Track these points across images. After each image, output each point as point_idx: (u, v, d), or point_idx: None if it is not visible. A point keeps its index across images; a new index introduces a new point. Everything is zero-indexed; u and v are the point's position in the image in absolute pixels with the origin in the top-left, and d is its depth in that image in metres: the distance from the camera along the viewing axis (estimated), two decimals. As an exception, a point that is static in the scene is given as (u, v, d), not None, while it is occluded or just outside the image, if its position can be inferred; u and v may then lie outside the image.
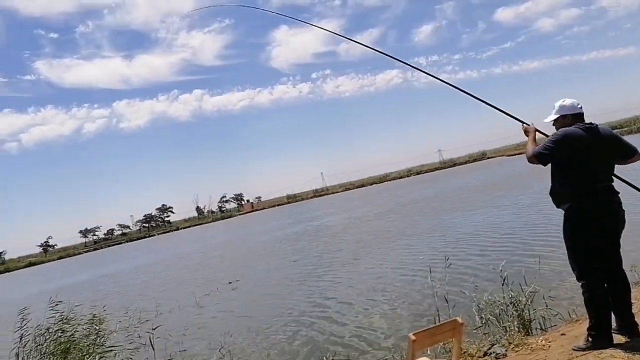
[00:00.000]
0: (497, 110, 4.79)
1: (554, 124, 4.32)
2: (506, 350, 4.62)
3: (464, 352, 4.88)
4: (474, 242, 14.15)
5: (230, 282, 16.33)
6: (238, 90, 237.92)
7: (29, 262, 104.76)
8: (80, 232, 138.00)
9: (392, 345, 6.71)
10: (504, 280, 6.13)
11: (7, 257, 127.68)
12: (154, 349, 6.10)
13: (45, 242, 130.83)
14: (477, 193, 30.45)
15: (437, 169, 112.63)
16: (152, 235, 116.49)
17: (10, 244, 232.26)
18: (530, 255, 9.69)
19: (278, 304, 11.87)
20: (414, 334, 3.14)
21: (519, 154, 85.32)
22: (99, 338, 9.45)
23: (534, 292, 5.94)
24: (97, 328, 9.66)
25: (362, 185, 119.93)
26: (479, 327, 5.89)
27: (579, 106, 4.19)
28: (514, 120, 4.64)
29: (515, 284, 6.23)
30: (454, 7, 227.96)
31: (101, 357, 8.62)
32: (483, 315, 5.96)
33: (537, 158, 4.05)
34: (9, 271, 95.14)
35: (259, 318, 10.84)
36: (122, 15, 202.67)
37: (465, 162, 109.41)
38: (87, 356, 8.33)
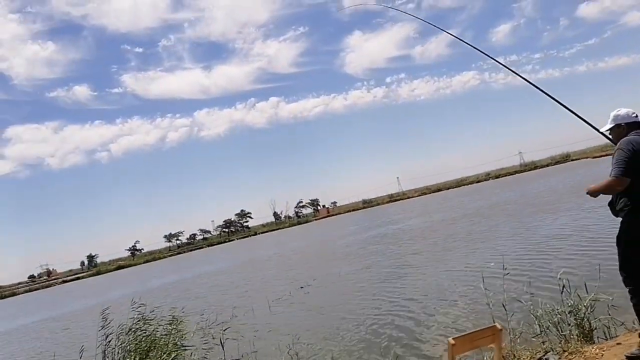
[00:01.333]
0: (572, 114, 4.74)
1: (610, 134, 4.32)
2: (560, 358, 4.61)
3: (517, 358, 4.91)
4: (553, 247, 13.72)
5: (302, 287, 16.75)
6: (313, 96, 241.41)
7: (119, 265, 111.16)
8: (165, 236, 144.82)
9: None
10: (562, 288, 6.03)
11: (99, 260, 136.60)
12: (223, 348, 6.51)
13: (133, 246, 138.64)
14: (562, 195, 29.26)
15: (517, 172, 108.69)
16: (231, 240, 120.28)
17: (102, 248, 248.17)
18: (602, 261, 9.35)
19: (346, 308, 12.13)
20: (453, 339, 3.30)
21: (606, 155, 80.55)
22: (177, 338, 10.12)
23: (595, 300, 5.80)
24: (176, 328, 10.34)
25: (439, 190, 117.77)
26: (538, 334, 5.83)
27: (634, 115, 4.18)
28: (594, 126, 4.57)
29: (580, 291, 6.12)
30: (534, 4, 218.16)
31: (177, 356, 9.22)
32: (542, 323, 5.90)
33: (622, 175, 3.85)
34: (100, 274, 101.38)
35: (327, 322, 11.16)
36: (201, 28, 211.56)
37: (547, 165, 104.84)
38: (166, 355, 8.93)
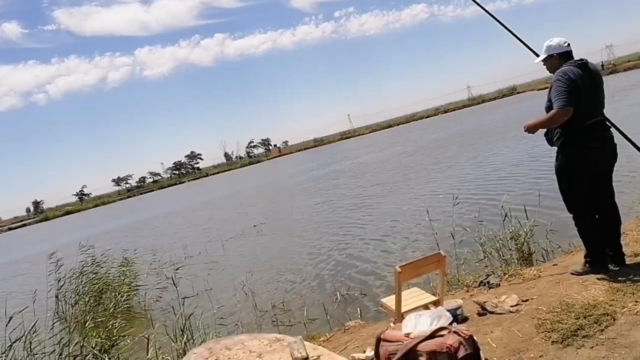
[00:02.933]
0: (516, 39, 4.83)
1: (544, 64, 4.35)
2: (500, 280, 4.85)
3: (461, 283, 5.15)
4: (504, 175, 14.20)
5: (255, 225, 16.83)
6: (260, 32, 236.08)
7: (67, 210, 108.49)
8: (113, 180, 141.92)
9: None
10: (505, 216, 6.29)
11: (45, 206, 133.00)
12: (176, 287, 6.51)
13: (80, 191, 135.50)
14: (516, 124, 30.05)
15: (465, 106, 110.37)
16: (182, 182, 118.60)
17: (47, 194, 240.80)
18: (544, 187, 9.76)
19: (299, 243, 12.37)
20: (399, 267, 3.40)
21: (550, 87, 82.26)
22: (130, 279, 10.11)
23: (535, 225, 6.10)
24: (129, 270, 10.32)
25: (390, 126, 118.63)
26: (481, 260, 6.13)
27: (566, 44, 4.15)
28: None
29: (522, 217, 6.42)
30: None
31: (132, 296, 9.23)
32: (485, 250, 6.18)
33: (566, 106, 3.82)
34: (48, 220, 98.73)
35: (280, 258, 11.33)
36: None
37: (495, 98, 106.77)
38: (120, 295, 8.92)
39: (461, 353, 2.93)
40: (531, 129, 4.12)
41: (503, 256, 5.85)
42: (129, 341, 5.74)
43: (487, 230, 6.58)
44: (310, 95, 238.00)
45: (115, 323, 5.76)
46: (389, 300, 3.79)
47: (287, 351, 3.10)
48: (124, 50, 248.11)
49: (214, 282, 10.34)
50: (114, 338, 5.42)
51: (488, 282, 4.83)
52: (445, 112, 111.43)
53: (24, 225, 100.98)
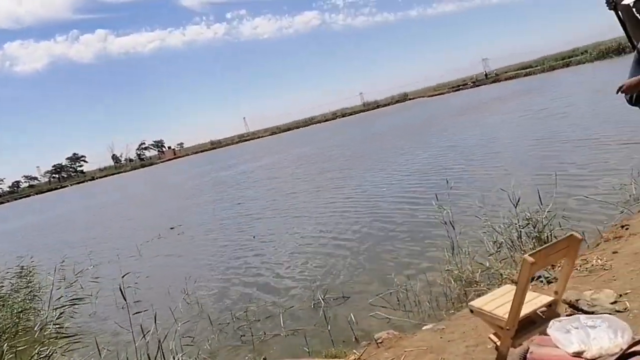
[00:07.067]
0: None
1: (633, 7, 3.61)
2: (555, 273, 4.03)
3: (503, 276, 4.26)
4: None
5: (172, 228, 15.11)
6: (146, 30, 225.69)
7: None
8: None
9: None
10: (517, 201, 5.47)
11: None
12: (125, 299, 4.97)
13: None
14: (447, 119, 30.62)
15: (361, 111, 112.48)
16: (64, 187, 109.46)
17: None
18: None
19: (228, 246, 11.05)
20: (531, 255, 2.39)
21: (440, 94, 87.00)
22: (31, 292, 8.21)
23: (551, 212, 5.38)
24: (28, 281, 8.43)
25: (289, 129, 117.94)
26: (493, 253, 5.27)
27: None
28: None
29: (527, 205, 5.66)
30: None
31: (30, 313, 7.36)
32: (496, 240, 5.36)
33: None
34: None
35: (217, 261, 9.97)
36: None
37: (388, 104, 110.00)
38: (20, 313, 7.10)
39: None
40: (631, 89, 3.32)
41: (523, 247, 5.05)
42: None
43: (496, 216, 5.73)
44: (204, 97, 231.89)
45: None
46: (489, 304, 2.75)
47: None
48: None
49: (140, 292, 8.67)
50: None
51: (542, 276, 3.99)
52: (343, 116, 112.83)
53: None
